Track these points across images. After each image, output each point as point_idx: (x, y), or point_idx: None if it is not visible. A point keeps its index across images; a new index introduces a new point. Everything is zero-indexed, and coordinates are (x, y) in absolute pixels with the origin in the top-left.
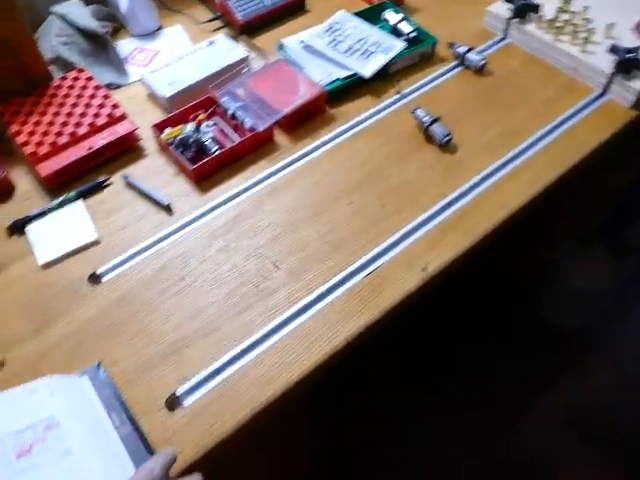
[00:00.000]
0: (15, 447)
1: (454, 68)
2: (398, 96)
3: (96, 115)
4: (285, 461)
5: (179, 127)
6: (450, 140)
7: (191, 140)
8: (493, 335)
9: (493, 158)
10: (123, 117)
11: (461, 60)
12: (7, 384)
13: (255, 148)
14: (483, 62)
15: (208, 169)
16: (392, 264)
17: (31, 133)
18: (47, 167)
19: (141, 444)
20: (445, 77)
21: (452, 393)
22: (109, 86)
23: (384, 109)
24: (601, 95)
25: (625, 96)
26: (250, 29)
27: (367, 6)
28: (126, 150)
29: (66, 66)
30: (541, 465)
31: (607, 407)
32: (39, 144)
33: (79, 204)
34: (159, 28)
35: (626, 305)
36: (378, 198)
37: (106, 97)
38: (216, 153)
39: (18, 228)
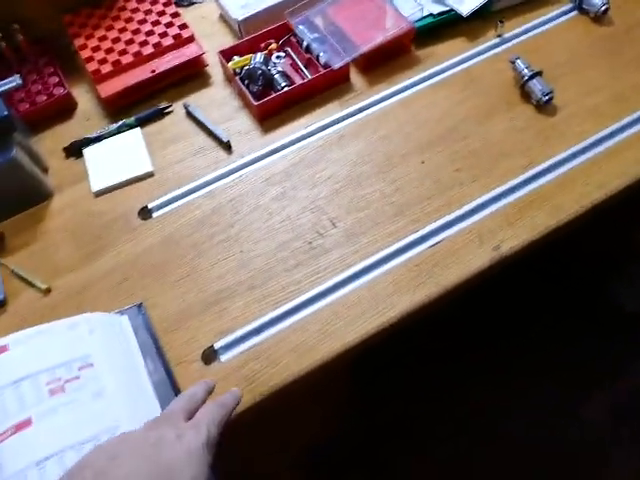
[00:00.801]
0: (49, 383)
1: (569, 12)
2: (498, 40)
3: (163, 35)
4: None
5: (247, 56)
6: (551, 99)
7: (259, 73)
8: (573, 312)
9: (597, 127)
10: (191, 39)
11: (579, 3)
12: (51, 312)
13: (327, 87)
14: (605, 7)
15: (273, 107)
16: (460, 238)
17: (95, 49)
18: (108, 88)
19: (173, 393)
20: (556, 22)
21: (519, 367)
22: (181, 2)
23: (478, 55)
24: None
25: None
26: None
27: None
28: (191, 75)
29: None
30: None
31: None
32: (102, 61)
33: (137, 131)
34: None
35: None
36: (454, 160)
37: (175, 15)
38: (284, 89)
39: (76, 150)
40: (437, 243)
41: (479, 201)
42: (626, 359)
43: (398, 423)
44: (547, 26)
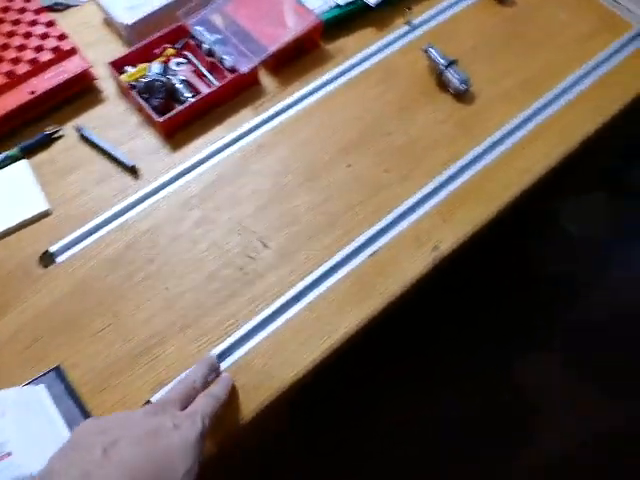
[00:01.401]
0: None
1: None
2: (407, 28)
3: (38, 49)
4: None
5: (143, 66)
6: (468, 88)
7: (158, 84)
8: (473, 321)
9: (515, 111)
10: (73, 51)
11: None
12: None
13: (236, 93)
14: None
15: (180, 121)
16: (398, 242)
17: None
18: None
19: None
20: (462, 5)
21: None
22: (55, 6)
23: (390, 45)
24: None
25: None
26: None
27: None
28: (79, 92)
29: None
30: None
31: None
32: None
33: (23, 164)
34: None
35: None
36: (381, 160)
37: (50, 25)
38: (189, 101)
39: None
40: (375, 251)
41: (411, 201)
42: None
43: (337, 446)
44: (454, 9)
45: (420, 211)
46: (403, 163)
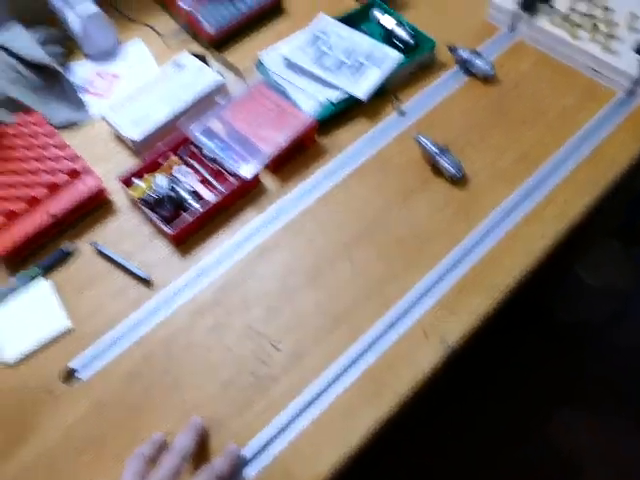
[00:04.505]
0: None
1: (457, 75)
2: (398, 117)
3: (52, 172)
4: None
5: (149, 177)
6: (463, 173)
7: (166, 199)
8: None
9: (510, 190)
10: (86, 171)
11: (464, 66)
12: None
13: (240, 197)
14: (493, 72)
15: (190, 231)
16: (405, 338)
17: None
18: (3, 241)
19: None
20: (450, 89)
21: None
22: (66, 125)
23: (382, 135)
24: (627, 100)
25: None
26: (221, 42)
27: (352, 7)
28: (93, 207)
29: (12, 106)
30: None
31: None
32: None
33: (44, 284)
34: (117, 44)
35: None
36: (382, 254)
37: (61, 147)
38: (198, 211)
39: None
40: (384, 348)
41: (415, 293)
42: None
43: None
44: (442, 94)
45: (424, 304)
46: (405, 254)
